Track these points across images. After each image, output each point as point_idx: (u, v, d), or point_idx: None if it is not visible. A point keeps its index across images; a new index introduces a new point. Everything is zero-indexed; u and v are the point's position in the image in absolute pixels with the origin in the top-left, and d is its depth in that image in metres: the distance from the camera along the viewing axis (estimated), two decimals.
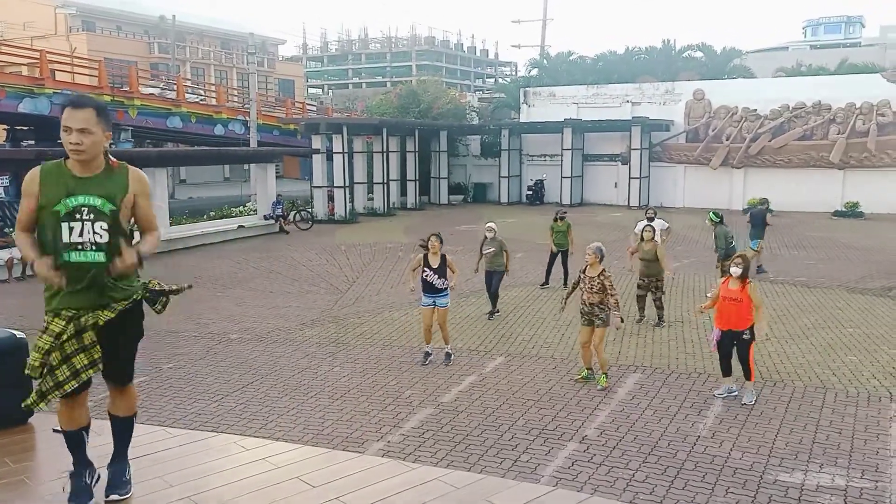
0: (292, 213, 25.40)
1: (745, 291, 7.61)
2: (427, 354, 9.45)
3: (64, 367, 3.27)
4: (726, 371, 7.95)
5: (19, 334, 4.61)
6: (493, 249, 11.80)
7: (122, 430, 3.64)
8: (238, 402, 7.99)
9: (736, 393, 7.93)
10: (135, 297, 3.42)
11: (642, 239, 11.24)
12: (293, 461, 4.07)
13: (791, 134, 29.13)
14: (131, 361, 3.63)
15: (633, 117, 30.74)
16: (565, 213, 14.37)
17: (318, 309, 12.74)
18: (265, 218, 24.23)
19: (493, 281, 11.82)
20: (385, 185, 29.19)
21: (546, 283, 14.06)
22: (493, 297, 11.90)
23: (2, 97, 23.21)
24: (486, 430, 7.13)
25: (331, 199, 27.30)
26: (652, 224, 11.97)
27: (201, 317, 12.14)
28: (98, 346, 3.31)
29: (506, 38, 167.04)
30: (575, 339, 10.36)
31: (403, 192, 31.28)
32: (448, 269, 9.30)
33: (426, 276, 9.25)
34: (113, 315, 3.32)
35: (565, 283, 13.89)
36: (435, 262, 9.25)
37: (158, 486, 3.55)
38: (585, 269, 8.49)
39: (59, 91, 24.82)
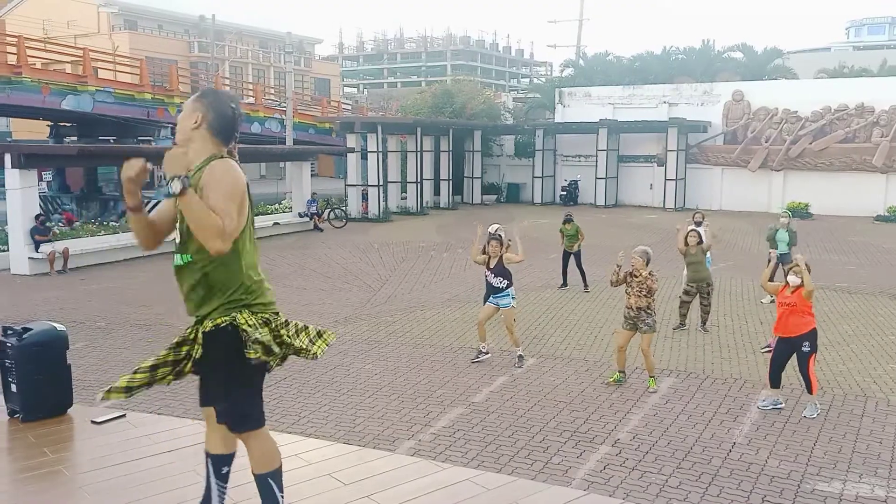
0: (327, 211, 25.58)
1: (799, 294, 7.43)
2: (480, 352, 9.41)
3: (149, 366, 3.11)
4: (775, 382, 7.70)
5: (59, 327, 4.70)
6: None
7: (260, 490, 3.11)
8: (271, 398, 8.06)
9: (782, 406, 7.71)
10: (219, 323, 2.95)
11: (687, 244, 11.03)
12: (325, 458, 4.09)
13: (833, 136, 28.51)
14: (228, 402, 3.04)
15: (670, 118, 30.36)
16: (571, 215, 14.33)
17: (350, 306, 12.80)
18: (300, 215, 24.45)
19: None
20: (418, 185, 29.24)
21: (564, 284, 13.99)
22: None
23: (46, 94, 23.73)
24: (517, 431, 7.09)
25: (365, 197, 27.43)
26: (698, 230, 11.71)
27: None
28: (187, 362, 3.10)
29: (541, 38, 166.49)
30: (608, 341, 10.29)
31: (437, 192, 31.30)
32: (508, 263, 9.23)
33: (486, 275, 9.24)
34: (197, 335, 2.99)
35: (585, 286, 13.79)
36: (493, 262, 9.22)
37: (191, 480, 3.59)
38: (630, 273, 8.34)
39: (101, 88, 25.35)
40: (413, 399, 8.00)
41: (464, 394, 8.17)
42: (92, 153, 21.15)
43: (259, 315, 2.98)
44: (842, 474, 6.18)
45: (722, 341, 10.42)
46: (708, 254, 11.31)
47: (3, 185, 17.03)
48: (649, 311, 8.22)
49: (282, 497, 3.07)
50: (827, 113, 28.51)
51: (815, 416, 7.45)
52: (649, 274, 8.22)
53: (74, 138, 28.11)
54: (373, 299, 13.44)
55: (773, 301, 7.80)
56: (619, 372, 8.53)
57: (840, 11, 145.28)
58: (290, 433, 5.77)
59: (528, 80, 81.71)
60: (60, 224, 19.59)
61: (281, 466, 3.09)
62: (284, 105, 31.66)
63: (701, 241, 11.00)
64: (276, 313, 3.07)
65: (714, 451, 6.63)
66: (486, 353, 9.45)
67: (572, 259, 13.94)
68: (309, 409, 7.72)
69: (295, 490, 3.62)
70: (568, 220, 13.94)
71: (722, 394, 8.17)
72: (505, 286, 9.21)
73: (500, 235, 9.38)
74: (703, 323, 10.98)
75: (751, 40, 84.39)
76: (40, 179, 21.38)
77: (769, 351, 7.75)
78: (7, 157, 16.29)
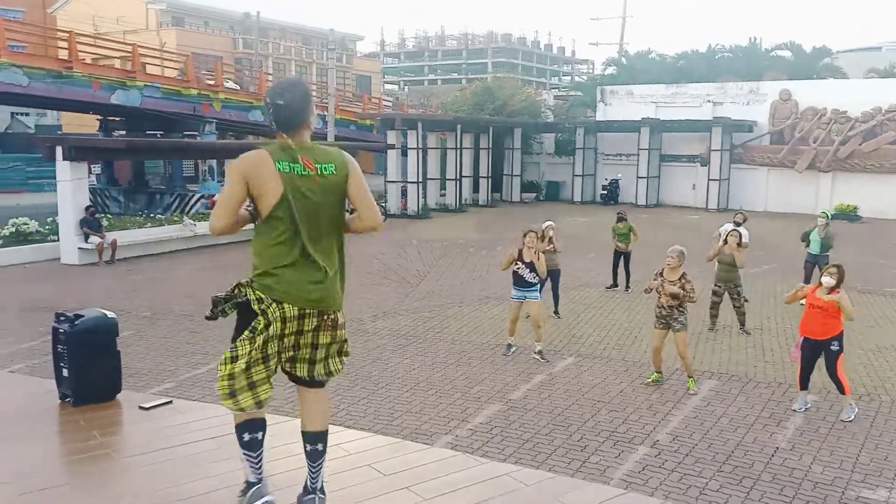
0: None
1: (831, 302, 7.26)
2: (510, 346, 9.52)
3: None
4: (803, 383, 7.60)
5: (110, 314, 4.83)
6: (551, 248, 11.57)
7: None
8: None
9: (809, 406, 7.60)
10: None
11: (725, 242, 10.85)
12: (364, 449, 4.13)
13: (883, 138, 27.73)
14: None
15: (715, 117, 29.88)
16: (624, 213, 14.15)
17: (389, 302, 12.88)
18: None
19: (551, 280, 11.65)
20: (458, 182, 29.26)
21: (614, 284, 13.84)
22: (555, 297, 11.77)
23: (96, 89, 24.33)
24: (555, 429, 7.07)
25: (404, 194, 27.55)
26: (739, 230, 11.53)
27: None
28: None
29: (584, 35, 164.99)
30: (647, 342, 10.17)
31: (476, 189, 31.30)
32: (537, 269, 9.27)
33: (518, 269, 9.25)
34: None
35: (627, 286, 13.65)
36: (528, 256, 9.23)
37: (232, 466, 3.65)
38: (662, 271, 8.27)
39: (149, 84, 25.88)
40: (450, 395, 8.03)
41: (501, 391, 8.17)
42: (140, 147, 21.67)
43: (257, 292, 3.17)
44: (888, 482, 6.03)
45: (765, 344, 10.24)
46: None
47: (55, 178, 17.52)
48: (681, 309, 8.12)
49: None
50: (877, 114, 27.75)
51: (852, 417, 7.31)
52: (681, 277, 8.11)
53: (123, 132, 28.76)
54: (411, 295, 13.50)
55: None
56: (657, 372, 8.44)
57: (892, 10, 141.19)
58: (331, 424, 5.83)
59: (569, 78, 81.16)
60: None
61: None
62: (326, 101, 31.95)
63: (740, 244, 10.82)
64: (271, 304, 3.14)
65: (756, 455, 6.52)
66: (514, 347, 9.51)
67: (623, 259, 13.75)
68: (347, 401, 7.80)
69: (336, 479, 3.67)
70: (621, 219, 13.77)
71: (765, 398, 8.02)
72: (536, 280, 9.24)
73: (547, 228, 9.46)
74: (742, 325, 10.79)
75: (799, 39, 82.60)
76: (90, 172, 21.87)
77: (797, 353, 7.60)
78: (59, 150, 16.74)
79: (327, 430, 3.36)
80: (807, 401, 7.63)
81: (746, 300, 11.26)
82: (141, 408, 4.64)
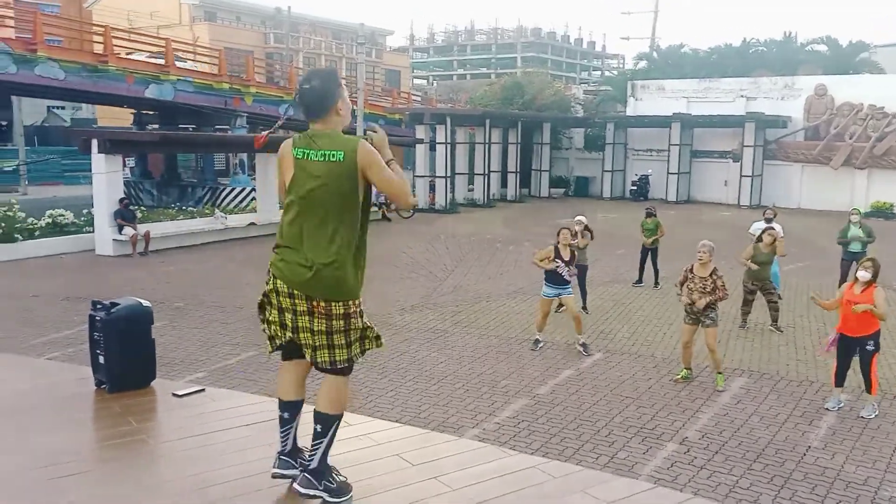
0: None
1: (867, 295, 7.15)
2: (537, 342, 9.54)
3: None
4: (839, 380, 7.50)
5: (145, 303, 4.91)
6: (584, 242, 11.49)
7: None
8: None
9: (842, 405, 7.49)
10: None
11: (760, 240, 10.68)
12: (393, 439, 4.17)
13: None
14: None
15: (748, 113, 29.42)
16: (653, 209, 14.03)
17: (416, 295, 12.92)
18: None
19: (578, 276, 11.58)
20: (486, 177, 29.22)
21: (640, 280, 13.74)
22: (583, 292, 11.72)
23: (130, 83, 24.70)
24: (582, 424, 7.05)
25: (432, 188, 27.59)
26: (773, 227, 11.36)
27: None
28: None
29: (614, 30, 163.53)
30: (676, 338, 10.08)
31: (504, 184, 31.22)
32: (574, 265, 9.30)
33: (557, 266, 9.23)
34: None
35: (656, 283, 13.54)
36: (566, 254, 9.23)
37: (264, 454, 3.70)
38: (693, 267, 8.20)
39: (182, 78, 26.21)
40: (478, 389, 8.04)
41: (528, 385, 8.17)
42: (172, 140, 21.93)
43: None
44: None
45: (798, 342, 10.10)
46: (776, 258, 10.90)
47: (90, 170, 17.84)
48: (712, 307, 8.04)
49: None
50: None
51: (872, 416, 7.24)
52: (713, 272, 8.03)
53: (156, 126, 29.19)
54: (438, 289, 13.53)
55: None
56: (686, 369, 8.37)
57: None
58: (358, 413, 5.88)
59: (599, 72, 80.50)
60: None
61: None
62: (356, 96, 32.08)
63: (775, 241, 10.65)
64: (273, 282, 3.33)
65: (787, 453, 6.44)
66: (542, 342, 9.51)
67: (651, 255, 13.66)
68: (376, 393, 7.86)
69: (364, 468, 3.71)
70: (649, 214, 13.69)
71: (797, 396, 7.92)
72: (571, 279, 9.27)
73: (585, 222, 9.49)
74: (775, 321, 10.65)
75: (835, 33, 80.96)
76: (124, 165, 22.24)
77: (831, 348, 7.50)
78: (94, 143, 17.03)
79: (331, 416, 3.31)
80: (840, 399, 7.52)
81: (780, 297, 11.10)
82: (174, 395, 4.72)
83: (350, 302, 3.24)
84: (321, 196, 3.18)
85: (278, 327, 3.35)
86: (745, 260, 10.54)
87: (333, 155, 3.16)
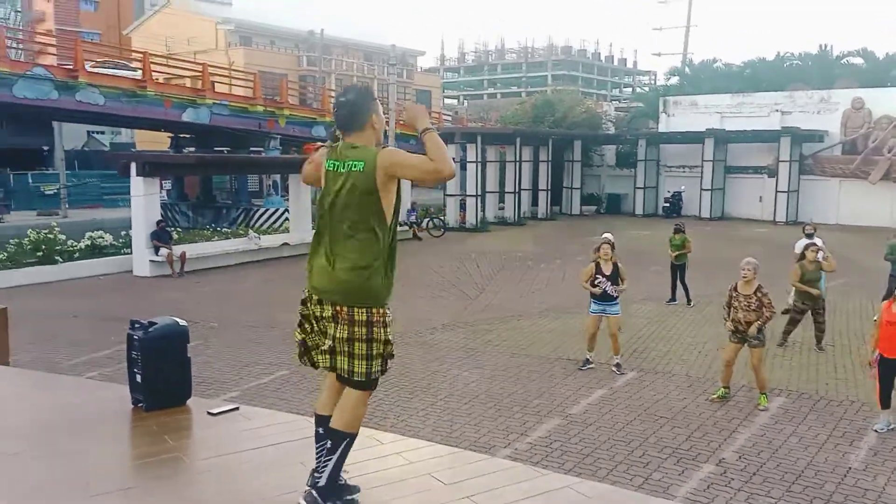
0: (425, 220, 25.97)
1: None
2: (587, 361, 9.44)
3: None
4: (884, 402, 7.30)
5: (182, 322, 4.99)
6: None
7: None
8: (372, 400, 8.22)
9: (893, 426, 7.29)
10: None
11: (804, 257, 10.48)
12: (425, 458, 4.16)
13: None
14: None
15: (783, 127, 29.05)
16: (681, 225, 13.87)
17: (448, 314, 12.93)
18: (400, 224, 24.92)
19: None
20: (516, 195, 29.22)
21: (673, 298, 13.58)
22: None
23: (168, 107, 25.27)
24: (616, 444, 6.97)
25: (463, 207, 27.66)
26: (815, 242, 11.17)
27: None
28: None
29: (645, 46, 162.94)
30: (712, 357, 9.95)
31: (535, 202, 31.18)
32: (619, 277, 9.18)
33: (599, 282, 9.17)
34: None
35: (689, 300, 13.36)
36: (607, 268, 9.17)
37: (299, 472, 3.73)
38: (737, 285, 8.06)
39: (217, 102, 26.74)
40: (509, 408, 8.00)
41: (561, 405, 8.11)
42: (208, 162, 22.36)
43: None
44: None
45: (837, 361, 9.88)
46: (823, 274, 10.69)
47: (128, 193, 18.24)
48: (760, 326, 7.90)
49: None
50: None
51: (885, 430, 7.12)
52: (757, 289, 7.90)
53: (192, 149, 29.77)
54: (470, 307, 13.53)
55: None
56: (724, 388, 8.23)
57: None
58: (390, 432, 5.90)
59: (630, 89, 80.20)
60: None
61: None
62: (387, 116, 32.39)
63: (818, 257, 10.44)
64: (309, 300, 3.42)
65: (827, 475, 6.29)
66: (592, 363, 9.41)
67: (679, 272, 13.52)
68: (407, 412, 7.86)
69: (397, 486, 3.71)
70: (678, 230, 13.57)
71: (837, 416, 7.74)
72: (617, 294, 9.19)
73: (611, 240, 9.41)
74: (819, 342, 10.42)
75: (872, 45, 79.63)
76: (161, 188, 22.73)
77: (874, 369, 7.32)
78: (133, 166, 17.44)
79: (342, 434, 3.27)
80: (889, 421, 7.29)
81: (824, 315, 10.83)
82: (209, 413, 4.77)
83: (374, 310, 3.25)
84: (345, 205, 3.26)
85: (307, 334, 3.46)
86: (795, 282, 10.32)
87: (355, 164, 3.24)
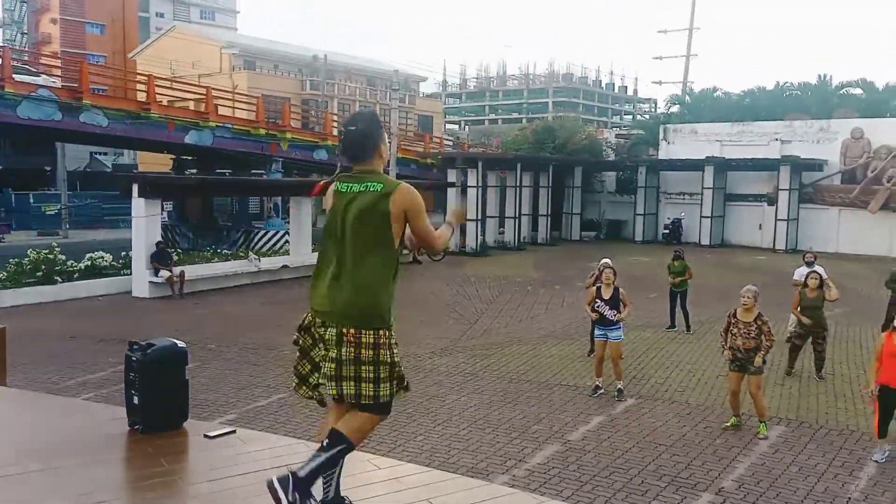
0: None
1: None
2: (597, 388, 9.38)
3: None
4: (882, 431, 7.27)
5: (180, 344, 4.99)
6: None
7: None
8: None
9: (887, 454, 7.25)
10: None
11: (805, 285, 10.46)
12: (423, 483, 4.14)
13: None
14: None
15: (783, 156, 29.19)
16: (681, 251, 13.89)
17: (447, 339, 12.90)
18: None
19: None
20: (517, 220, 29.29)
21: (672, 325, 13.55)
22: None
23: (171, 129, 25.41)
24: (615, 472, 6.92)
25: (462, 231, 27.68)
26: (816, 270, 11.17)
27: None
28: None
29: (646, 74, 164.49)
30: (711, 384, 9.92)
31: (535, 227, 31.25)
32: (621, 302, 9.18)
33: (598, 307, 9.17)
34: None
35: (688, 327, 13.33)
36: (607, 293, 9.19)
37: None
38: (736, 312, 8.05)
39: (220, 124, 26.90)
40: (508, 434, 7.96)
41: (559, 431, 8.07)
42: (210, 185, 22.42)
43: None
44: None
45: (838, 390, 9.84)
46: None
47: (129, 214, 18.28)
48: (760, 351, 7.88)
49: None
50: None
51: (883, 459, 7.09)
52: (757, 317, 7.89)
53: (195, 171, 29.89)
54: (469, 332, 13.50)
55: None
56: (735, 416, 8.18)
57: None
58: (389, 457, 5.87)
59: (631, 116, 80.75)
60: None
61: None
62: (389, 140, 32.57)
63: (822, 286, 10.44)
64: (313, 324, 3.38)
65: None
66: (602, 389, 9.37)
67: (679, 298, 13.51)
68: (404, 437, 7.82)
69: None
70: (677, 257, 13.58)
71: (837, 445, 7.70)
72: (617, 319, 9.17)
73: (611, 265, 9.44)
74: (819, 370, 10.38)
75: (871, 76, 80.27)
76: (162, 209, 22.78)
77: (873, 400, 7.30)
78: (135, 187, 17.50)
79: (342, 437, 3.22)
80: (885, 450, 7.28)
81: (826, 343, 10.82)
82: (206, 436, 4.75)
83: (381, 331, 3.23)
84: (357, 225, 3.24)
85: (313, 366, 3.39)
86: (794, 308, 10.32)
87: (373, 186, 3.25)
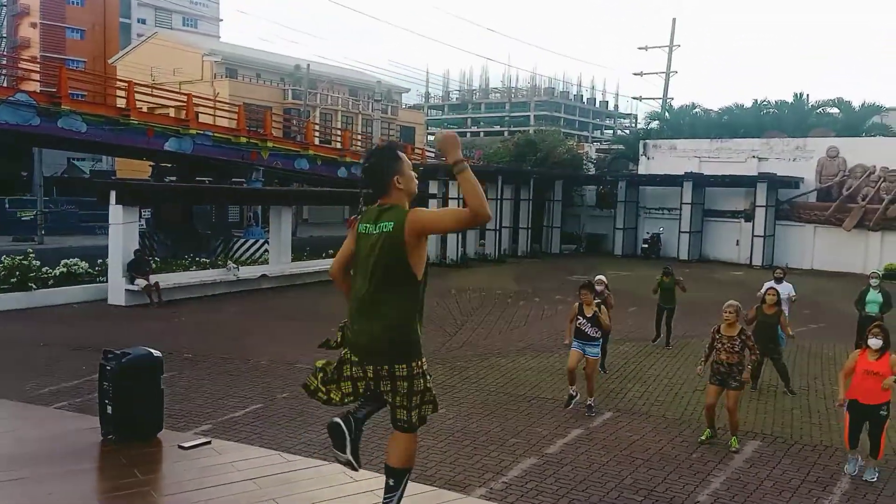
0: None
1: (884, 363, 7.08)
2: (571, 398, 9.37)
3: None
4: (853, 442, 7.35)
5: (156, 353, 4.94)
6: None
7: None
8: None
9: (861, 465, 7.34)
10: None
11: (763, 301, 10.56)
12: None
13: None
14: None
15: (760, 173, 29.61)
16: (669, 268, 13.96)
17: (425, 350, 12.82)
18: None
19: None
20: (497, 232, 29.38)
21: (658, 336, 13.63)
22: (602, 352, 11.61)
23: (151, 136, 25.21)
24: (591, 486, 6.93)
25: (444, 242, 27.71)
26: (776, 287, 11.23)
27: (315, 350, 12.50)
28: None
29: (627, 89, 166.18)
30: (688, 399, 9.98)
31: (515, 240, 31.35)
32: (600, 323, 9.21)
33: (579, 324, 9.20)
34: None
35: (667, 343, 13.41)
36: (589, 311, 9.21)
37: None
38: (719, 328, 8.12)
39: (201, 132, 26.75)
40: (485, 447, 7.94)
41: (537, 444, 8.06)
42: (189, 192, 22.26)
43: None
44: None
45: (812, 406, 9.94)
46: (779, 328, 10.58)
47: (107, 221, 18.06)
48: (741, 368, 7.95)
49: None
50: None
51: (874, 479, 7.14)
52: (741, 332, 7.97)
53: (174, 178, 29.65)
54: (448, 344, 13.48)
55: None
56: (709, 429, 8.23)
57: None
58: (364, 469, 5.83)
59: (611, 131, 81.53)
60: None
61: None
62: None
63: (779, 302, 10.53)
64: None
65: None
66: (576, 395, 9.37)
67: (665, 313, 13.53)
68: (381, 448, 7.70)
69: None
70: (667, 273, 13.61)
71: (811, 461, 7.77)
72: (599, 335, 9.18)
73: (591, 283, 9.49)
74: (787, 385, 10.44)
75: (848, 95, 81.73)
76: (140, 216, 22.53)
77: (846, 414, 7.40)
78: (112, 194, 17.32)
79: (400, 469, 3.58)
80: (858, 460, 7.36)
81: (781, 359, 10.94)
82: (181, 447, 4.71)
83: (413, 363, 3.47)
84: (378, 266, 3.38)
85: (346, 386, 3.60)
86: (751, 318, 10.39)
87: (385, 226, 3.38)
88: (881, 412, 7.09)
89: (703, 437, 8.23)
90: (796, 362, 12.17)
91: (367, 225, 3.44)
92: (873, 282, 12.46)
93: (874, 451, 7.22)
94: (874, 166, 28.18)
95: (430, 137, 73.91)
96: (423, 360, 3.52)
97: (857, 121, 34.06)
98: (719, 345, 8.02)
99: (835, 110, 35.56)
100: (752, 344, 7.96)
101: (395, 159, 3.48)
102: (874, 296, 12.21)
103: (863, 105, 35.15)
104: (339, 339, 3.61)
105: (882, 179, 28.01)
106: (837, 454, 7.90)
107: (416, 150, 42.51)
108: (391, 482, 3.56)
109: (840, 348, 13.49)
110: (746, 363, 7.94)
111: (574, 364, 9.31)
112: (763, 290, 11.36)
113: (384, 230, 3.35)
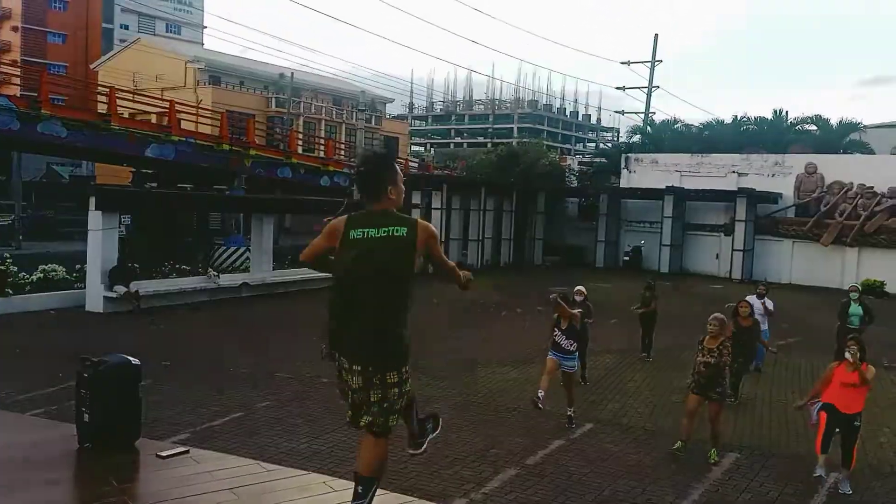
0: None
1: (862, 375, 7.19)
2: (537, 399, 9.28)
3: None
4: (824, 447, 7.40)
5: (134, 361, 4.89)
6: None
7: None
8: (326, 445, 8.12)
9: (821, 475, 7.40)
10: None
11: (737, 314, 10.63)
12: None
13: None
14: None
15: (739, 188, 29.93)
16: (651, 282, 14.05)
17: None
18: None
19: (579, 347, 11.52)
20: (480, 243, 29.43)
21: (644, 348, 13.69)
22: (581, 363, 11.64)
23: (132, 142, 25.00)
24: (571, 497, 6.94)
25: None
26: (748, 299, 11.35)
27: (296, 359, 12.46)
28: None
29: (609, 103, 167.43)
30: (668, 410, 10.03)
31: (497, 251, 31.43)
32: (575, 336, 9.19)
33: (556, 336, 9.18)
34: None
35: (649, 355, 13.46)
36: (564, 323, 9.19)
37: None
38: (704, 339, 8.19)
39: (183, 139, 26.58)
40: (465, 457, 7.93)
41: (518, 455, 8.06)
42: (169, 199, 22.09)
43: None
44: None
45: (790, 418, 10.01)
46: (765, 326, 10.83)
47: (86, 227, 17.87)
48: (722, 379, 8.01)
49: None
50: None
51: (850, 492, 7.20)
52: (721, 343, 8.04)
53: (154, 185, 29.41)
54: (428, 354, 13.42)
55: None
56: (681, 441, 8.22)
57: None
58: (345, 479, 5.79)
59: (594, 144, 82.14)
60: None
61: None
62: (353, 161, 32.53)
63: (752, 314, 10.65)
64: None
65: None
66: (543, 394, 9.29)
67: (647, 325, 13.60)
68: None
69: None
70: (649, 287, 13.69)
71: (788, 473, 7.84)
72: (574, 349, 9.15)
73: (566, 296, 9.47)
74: (735, 393, 10.42)
75: (826, 112, 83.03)
76: (120, 223, 22.28)
77: (816, 420, 7.48)
78: (91, 200, 17.14)
79: (370, 478, 3.60)
80: (826, 467, 7.41)
81: (760, 370, 11.04)
82: (158, 456, 4.65)
83: (403, 369, 3.48)
84: (385, 271, 3.34)
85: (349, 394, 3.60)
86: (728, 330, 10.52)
87: (396, 230, 3.36)
88: (855, 423, 7.20)
89: (674, 448, 8.23)
90: (774, 375, 12.29)
91: (365, 230, 3.37)
92: (853, 295, 12.65)
93: (846, 461, 7.30)
94: (851, 183, 28.59)
95: (414, 148, 74.10)
96: (408, 364, 3.53)
97: (834, 138, 34.60)
98: (700, 357, 8.08)
99: (813, 127, 36.11)
100: (727, 352, 8.03)
101: (391, 169, 3.52)
102: (856, 308, 12.40)
103: (840, 122, 35.73)
104: (328, 346, 3.60)
105: (859, 196, 28.41)
106: (814, 466, 7.95)
107: (400, 160, 42.56)
108: (360, 489, 3.55)
109: (817, 361, 13.62)
110: (726, 373, 8.01)
111: (551, 370, 9.23)
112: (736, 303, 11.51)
113: (395, 233, 3.34)
